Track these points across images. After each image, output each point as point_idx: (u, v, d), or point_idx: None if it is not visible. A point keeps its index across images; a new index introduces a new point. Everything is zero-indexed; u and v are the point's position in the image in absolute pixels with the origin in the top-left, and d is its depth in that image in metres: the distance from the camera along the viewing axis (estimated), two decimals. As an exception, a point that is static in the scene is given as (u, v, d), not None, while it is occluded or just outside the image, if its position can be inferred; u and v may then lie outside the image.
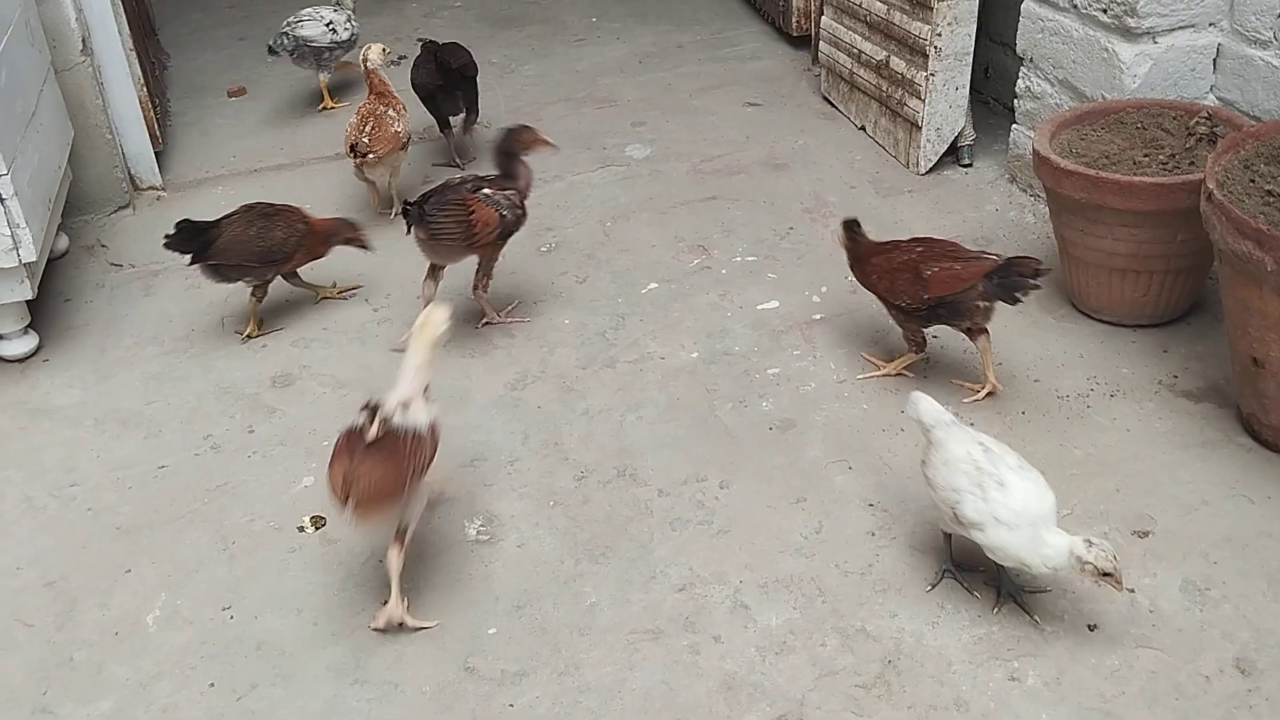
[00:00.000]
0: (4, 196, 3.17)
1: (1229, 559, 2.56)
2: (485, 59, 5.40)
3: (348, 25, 4.91)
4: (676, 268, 3.76)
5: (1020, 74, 3.89)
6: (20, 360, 3.48)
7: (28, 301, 3.42)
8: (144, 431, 3.18)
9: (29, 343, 3.48)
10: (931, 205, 4.00)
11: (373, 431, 2.44)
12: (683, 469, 2.95)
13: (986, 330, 2.99)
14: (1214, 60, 3.43)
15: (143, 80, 4.38)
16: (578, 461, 2.99)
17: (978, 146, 4.21)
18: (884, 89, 4.26)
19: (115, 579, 2.72)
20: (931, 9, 3.89)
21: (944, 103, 4.03)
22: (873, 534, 2.71)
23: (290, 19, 4.83)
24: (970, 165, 4.19)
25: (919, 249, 3.06)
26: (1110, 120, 3.34)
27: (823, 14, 4.70)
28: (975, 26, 3.94)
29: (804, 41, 5.18)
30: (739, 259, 3.79)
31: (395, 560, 2.52)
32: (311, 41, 4.82)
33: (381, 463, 2.42)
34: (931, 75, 3.97)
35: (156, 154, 4.45)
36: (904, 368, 3.18)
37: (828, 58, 4.65)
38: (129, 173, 4.33)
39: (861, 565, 2.63)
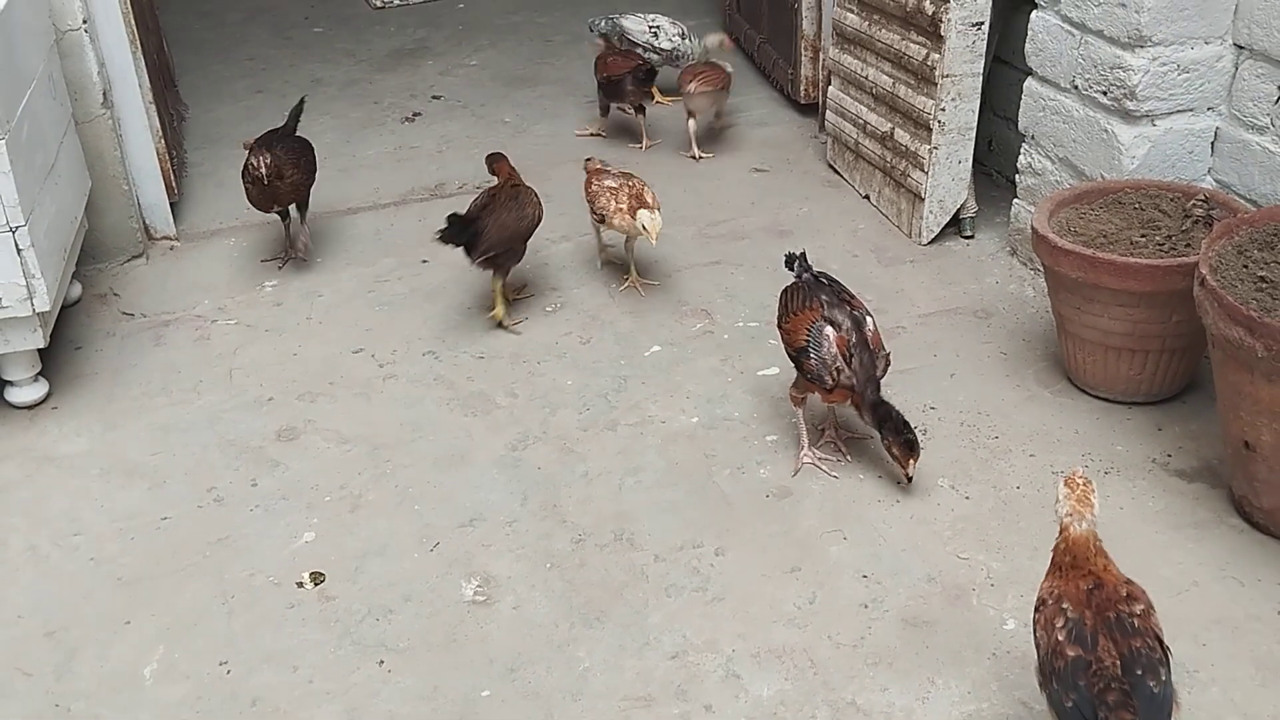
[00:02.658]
0: (20, 247, 3.24)
1: (1218, 641, 2.57)
2: (498, 118, 5.52)
3: (672, 40, 5.34)
4: (679, 331, 3.81)
5: (1022, 150, 3.95)
6: (29, 407, 3.52)
7: (38, 349, 3.47)
8: (148, 482, 3.22)
9: (38, 390, 3.53)
10: (932, 276, 4.05)
11: None
12: (679, 535, 2.97)
13: (644, 110, 5.09)
14: (1211, 144, 3.49)
15: (161, 132, 4.47)
16: (576, 524, 3.02)
17: (980, 219, 4.27)
18: (888, 160, 4.33)
19: (115, 630, 2.75)
20: (936, 84, 3.96)
21: (947, 175, 4.09)
22: (865, 606, 2.73)
23: (627, 11, 5.46)
24: (972, 237, 4.25)
25: (615, 53, 5.12)
26: (1108, 200, 3.39)
27: (829, 84, 4.78)
28: (979, 102, 4.02)
29: (811, 109, 5.26)
30: (741, 324, 3.84)
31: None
32: (629, 34, 5.34)
33: None
34: (935, 149, 4.04)
35: (172, 204, 4.52)
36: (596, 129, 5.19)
37: (834, 127, 4.73)
38: (144, 223, 4.40)
39: (854, 637, 2.65)
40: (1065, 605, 2.16)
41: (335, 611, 2.78)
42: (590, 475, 3.19)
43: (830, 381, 3.01)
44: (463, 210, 3.76)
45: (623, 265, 4.12)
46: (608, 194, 3.91)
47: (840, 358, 3.00)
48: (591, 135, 5.28)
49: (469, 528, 3.02)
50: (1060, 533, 2.24)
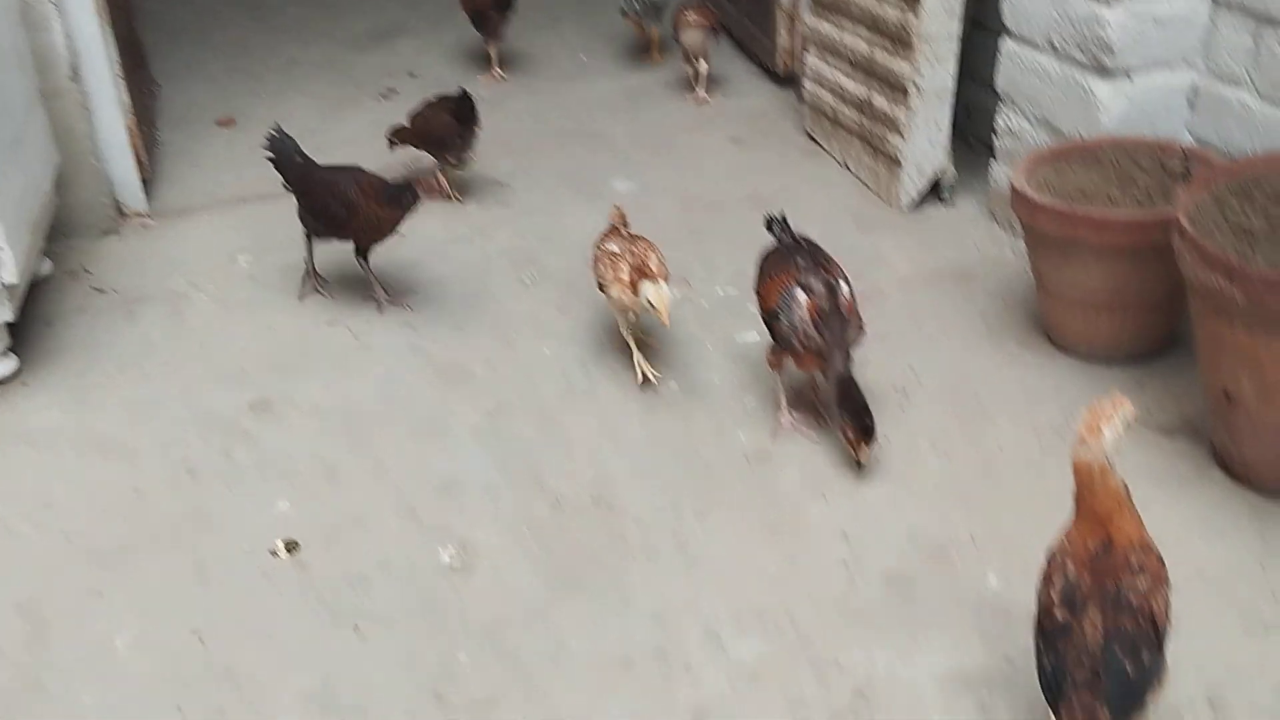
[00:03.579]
0: (-14, 220, 3.19)
1: (1201, 594, 2.55)
2: (475, 94, 5.46)
3: None
4: (658, 300, 3.77)
5: (1000, 112, 3.93)
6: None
7: (8, 324, 3.42)
8: (120, 456, 3.18)
9: (8, 365, 3.47)
10: (912, 241, 4.03)
11: None
12: (659, 499, 2.95)
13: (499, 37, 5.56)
14: (1189, 99, 3.47)
15: (131, 108, 4.41)
16: (554, 490, 2.99)
17: (959, 184, 4.25)
18: (866, 126, 4.30)
19: (87, 603, 2.71)
20: (913, 48, 3.93)
21: (925, 140, 4.07)
22: (846, 566, 2.71)
23: None
24: (951, 202, 4.22)
25: None
26: (1086, 157, 3.37)
27: (807, 53, 4.75)
28: (956, 65, 3.99)
29: (789, 80, 5.23)
30: (720, 292, 3.81)
31: None
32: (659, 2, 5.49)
33: None
34: (912, 113, 4.01)
35: (144, 182, 4.47)
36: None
37: (812, 95, 4.70)
38: (115, 199, 4.35)
39: (835, 597, 2.63)
40: (1068, 564, 2.07)
41: (311, 580, 2.75)
42: (569, 442, 3.16)
43: (799, 346, 2.97)
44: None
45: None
46: (606, 260, 3.31)
47: (810, 323, 2.95)
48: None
49: (446, 496, 2.99)
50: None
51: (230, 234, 4.32)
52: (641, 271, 3.20)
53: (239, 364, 3.54)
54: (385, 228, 3.66)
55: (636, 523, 2.87)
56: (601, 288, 3.32)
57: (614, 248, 3.33)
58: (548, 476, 3.04)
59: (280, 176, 3.80)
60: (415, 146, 4.31)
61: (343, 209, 3.61)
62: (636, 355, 3.36)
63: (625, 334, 3.39)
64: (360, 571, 2.76)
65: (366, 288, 3.80)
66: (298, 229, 4.25)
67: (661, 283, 3.16)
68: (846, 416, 2.92)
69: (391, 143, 4.43)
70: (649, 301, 3.13)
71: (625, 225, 3.48)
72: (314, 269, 3.89)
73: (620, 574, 2.73)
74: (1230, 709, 2.31)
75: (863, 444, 2.91)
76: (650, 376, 3.33)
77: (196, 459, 3.15)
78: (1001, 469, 2.97)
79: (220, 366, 3.53)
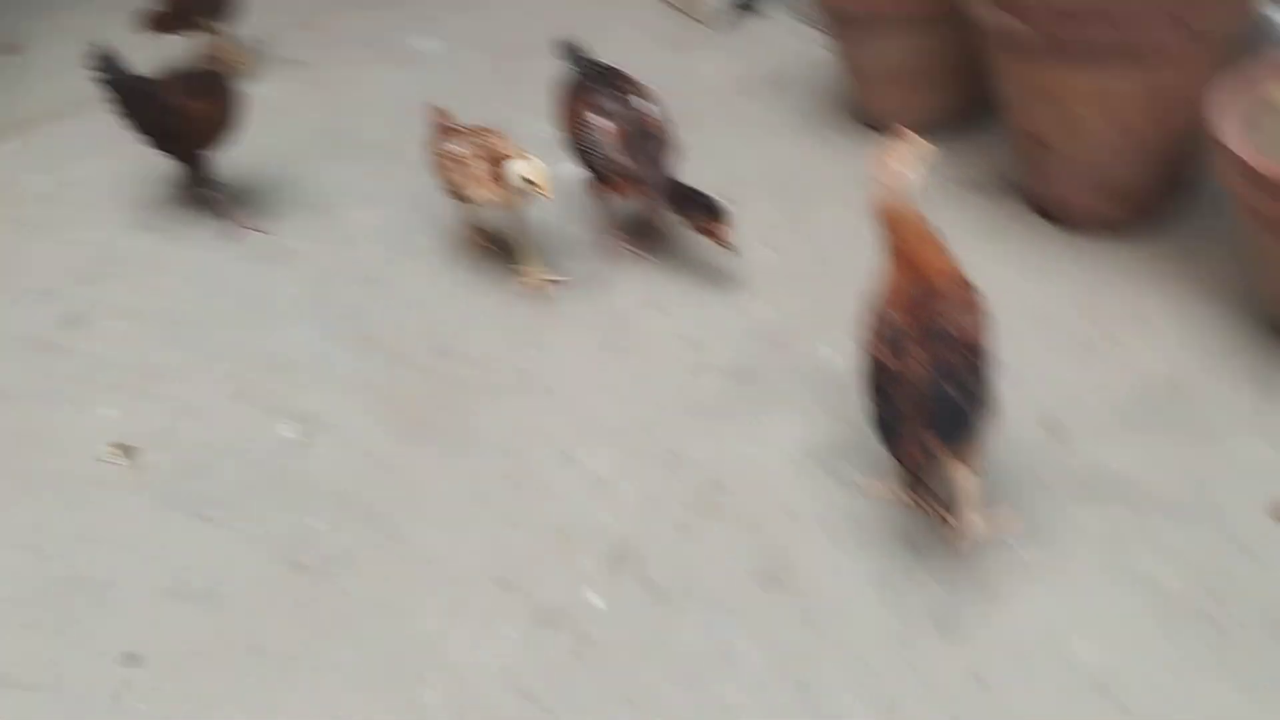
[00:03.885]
0: None
1: (1029, 331, 2.61)
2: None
3: None
4: (477, 151, 3.66)
5: (792, -93, 3.86)
6: None
7: None
8: (-74, 393, 3.00)
9: None
10: (727, 55, 3.98)
11: None
12: (498, 340, 2.90)
13: None
14: None
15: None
16: (390, 349, 2.91)
17: (766, -8, 4.19)
18: (664, -54, 4.20)
19: (-90, 542, 2.57)
20: None
21: (723, -51, 3.99)
22: (689, 369, 2.71)
23: None
24: (762, 12, 4.16)
25: None
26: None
27: (596, -118, 4.60)
28: None
29: (586, -82, 5.07)
30: (541, 135, 3.70)
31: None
32: None
33: None
34: (706, -78, 3.92)
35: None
36: None
37: (608, -74, 4.56)
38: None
39: (681, 398, 2.63)
40: (888, 310, 2.07)
41: (149, 480, 2.64)
42: (398, 301, 3.08)
43: (610, 174, 2.90)
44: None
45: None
46: (451, 164, 2.96)
47: (616, 148, 2.87)
48: None
49: (279, 373, 2.89)
50: None
51: (20, 158, 4.05)
52: (497, 162, 2.87)
53: (43, 282, 3.34)
54: (216, 124, 3.34)
55: (476, 364, 2.82)
56: (457, 195, 2.98)
57: (458, 148, 2.96)
58: (382, 337, 2.96)
59: (111, 97, 3.46)
60: (184, 27, 4.07)
61: (174, 118, 3.30)
62: (476, 238, 3.20)
63: (474, 234, 3.19)
64: (200, 462, 2.66)
65: (184, 188, 3.61)
66: (91, 145, 4.02)
67: (532, 157, 2.83)
68: (691, 210, 2.83)
69: (153, 30, 4.13)
70: (526, 180, 2.79)
71: (451, 119, 3.15)
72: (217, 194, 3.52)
73: (466, 416, 2.68)
74: (1066, 429, 2.38)
75: (721, 225, 2.80)
76: (545, 284, 3.06)
77: (8, 381, 2.98)
78: (830, 252, 2.98)
79: (23, 287, 3.33)
